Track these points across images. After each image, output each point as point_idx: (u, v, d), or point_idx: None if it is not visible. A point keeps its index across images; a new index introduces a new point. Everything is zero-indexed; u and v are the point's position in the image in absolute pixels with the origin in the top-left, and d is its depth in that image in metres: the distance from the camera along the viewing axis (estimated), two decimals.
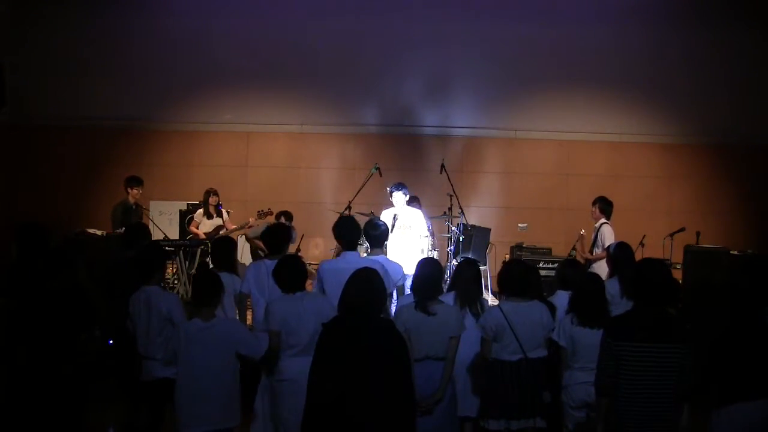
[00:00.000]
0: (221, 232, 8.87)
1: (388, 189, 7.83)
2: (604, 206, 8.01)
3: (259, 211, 9.00)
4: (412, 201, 8.60)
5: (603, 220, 7.98)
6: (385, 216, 7.69)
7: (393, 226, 7.74)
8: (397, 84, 10.65)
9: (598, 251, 7.79)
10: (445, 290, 5.05)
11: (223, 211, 9.24)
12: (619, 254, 5.65)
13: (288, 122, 10.87)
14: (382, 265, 5.39)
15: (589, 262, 7.68)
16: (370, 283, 3.71)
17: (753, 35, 10.49)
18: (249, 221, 9.03)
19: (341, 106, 10.80)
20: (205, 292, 4.23)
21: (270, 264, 4.94)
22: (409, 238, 7.53)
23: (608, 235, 7.78)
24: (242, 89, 10.81)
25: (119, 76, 10.74)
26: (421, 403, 4.25)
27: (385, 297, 3.68)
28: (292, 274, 4.42)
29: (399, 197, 7.63)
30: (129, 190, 8.61)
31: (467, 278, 4.95)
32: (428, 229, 7.94)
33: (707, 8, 10.46)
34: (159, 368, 4.57)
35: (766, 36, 10.48)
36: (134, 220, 8.19)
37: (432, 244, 8.02)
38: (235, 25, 10.69)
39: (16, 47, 10.52)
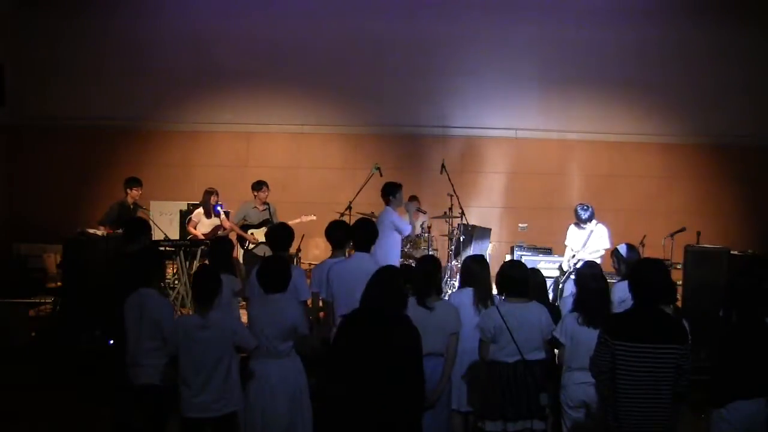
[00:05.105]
0: (219, 232, 8.86)
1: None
2: (589, 215, 8.04)
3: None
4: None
5: (595, 221, 8.03)
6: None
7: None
8: (397, 84, 10.63)
9: (596, 254, 7.83)
10: (456, 288, 5.04)
11: (221, 211, 9.22)
12: (632, 256, 5.61)
13: (288, 122, 10.87)
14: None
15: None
16: (392, 283, 3.86)
17: (753, 35, 10.47)
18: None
19: (341, 106, 10.80)
20: (206, 290, 4.34)
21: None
22: None
23: (602, 237, 7.85)
24: (242, 89, 10.82)
25: (119, 77, 10.74)
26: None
27: (406, 296, 3.89)
28: (275, 276, 4.47)
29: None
30: (128, 191, 8.66)
31: (484, 275, 4.93)
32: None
33: (707, 8, 10.45)
34: (144, 374, 4.53)
35: (766, 36, 10.47)
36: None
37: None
38: (235, 25, 10.69)
39: (16, 47, 10.52)
